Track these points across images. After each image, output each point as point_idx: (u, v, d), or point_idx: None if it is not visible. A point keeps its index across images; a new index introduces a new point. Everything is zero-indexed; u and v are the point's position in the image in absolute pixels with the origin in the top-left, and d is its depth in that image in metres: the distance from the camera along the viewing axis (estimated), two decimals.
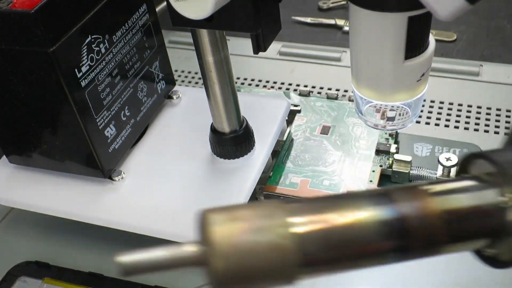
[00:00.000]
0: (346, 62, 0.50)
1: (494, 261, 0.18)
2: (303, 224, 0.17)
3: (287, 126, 0.40)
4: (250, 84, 0.49)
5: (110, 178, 0.34)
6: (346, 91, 0.47)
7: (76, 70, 0.29)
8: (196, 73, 0.51)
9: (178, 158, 0.36)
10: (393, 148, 0.38)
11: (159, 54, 0.37)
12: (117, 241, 0.36)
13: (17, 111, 0.32)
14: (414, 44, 0.25)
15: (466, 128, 0.42)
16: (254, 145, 0.34)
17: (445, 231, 0.17)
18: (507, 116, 0.42)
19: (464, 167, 0.20)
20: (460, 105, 0.44)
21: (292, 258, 0.16)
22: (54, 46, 0.28)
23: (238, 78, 0.49)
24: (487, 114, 0.43)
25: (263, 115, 0.37)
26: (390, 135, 0.39)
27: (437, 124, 0.42)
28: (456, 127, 0.42)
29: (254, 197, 0.37)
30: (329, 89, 0.47)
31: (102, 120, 0.32)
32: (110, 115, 0.33)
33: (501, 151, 0.19)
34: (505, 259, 0.18)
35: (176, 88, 0.40)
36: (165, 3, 0.30)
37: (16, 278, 0.34)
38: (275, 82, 0.49)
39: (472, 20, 0.54)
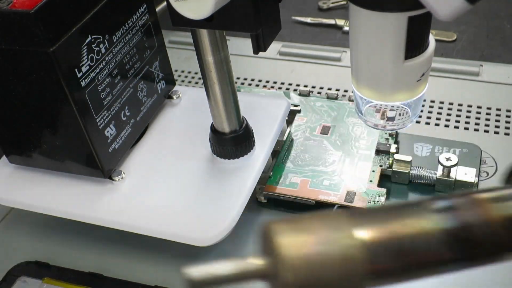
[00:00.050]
0: (346, 62, 0.50)
1: None
2: (370, 234, 0.17)
3: (287, 126, 0.40)
4: (250, 84, 0.49)
5: (110, 178, 0.34)
6: (346, 91, 0.47)
7: (76, 70, 0.29)
8: (196, 73, 0.51)
9: (178, 158, 0.36)
10: (393, 148, 0.38)
11: (159, 54, 0.37)
12: (117, 241, 0.36)
13: (17, 111, 0.32)
14: (414, 44, 0.25)
15: (466, 128, 0.42)
16: (254, 145, 0.34)
17: (508, 238, 0.17)
18: (507, 116, 0.42)
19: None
20: (460, 105, 0.44)
21: (360, 269, 0.16)
22: (54, 46, 0.28)
23: (238, 78, 0.49)
24: (487, 114, 0.43)
25: (263, 115, 0.37)
26: (390, 135, 0.39)
27: (437, 124, 0.42)
28: (456, 127, 0.42)
29: (254, 197, 0.37)
30: (329, 89, 0.47)
31: (102, 120, 0.32)
32: (110, 115, 0.33)
33: None
34: None
35: (176, 88, 0.40)
36: (165, 3, 0.30)
37: (16, 278, 0.34)
38: (275, 82, 0.49)
39: (472, 20, 0.54)
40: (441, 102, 0.44)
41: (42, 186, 0.35)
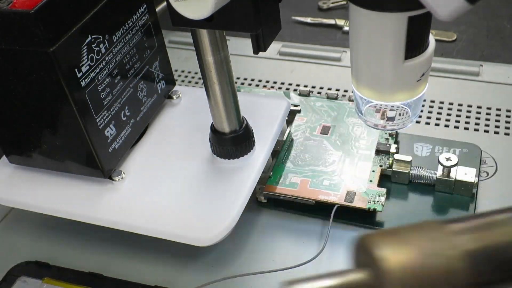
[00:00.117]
0: (346, 62, 0.50)
1: None
2: (471, 244, 0.17)
3: (287, 126, 0.40)
4: (250, 84, 0.49)
5: (110, 178, 0.34)
6: (346, 91, 0.47)
7: (76, 70, 0.29)
8: (196, 73, 0.51)
9: (178, 158, 0.36)
10: (393, 148, 0.38)
11: (159, 54, 0.37)
12: (117, 241, 0.36)
13: (17, 111, 0.32)
14: (414, 44, 0.25)
15: (466, 128, 0.42)
16: (254, 145, 0.34)
17: None
18: (507, 116, 0.42)
19: None
20: (460, 105, 0.44)
21: (465, 279, 0.16)
22: (54, 46, 0.28)
23: (238, 78, 0.49)
24: (487, 114, 0.43)
25: (263, 115, 0.37)
26: (390, 135, 0.39)
27: (437, 124, 0.42)
28: (456, 127, 0.42)
29: (254, 197, 0.37)
30: (329, 89, 0.47)
31: (102, 120, 0.32)
32: (110, 115, 0.33)
33: None
34: None
35: (176, 88, 0.40)
36: (165, 3, 0.30)
37: (16, 278, 0.34)
38: (275, 82, 0.49)
39: (472, 20, 0.54)
40: (441, 102, 0.44)
41: (42, 186, 0.35)
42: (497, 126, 0.42)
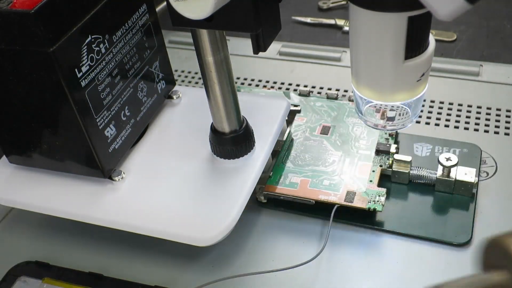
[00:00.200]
0: (346, 62, 0.50)
1: None
2: None
3: (287, 126, 0.40)
4: (250, 84, 0.49)
5: (110, 178, 0.34)
6: (346, 91, 0.47)
7: (76, 70, 0.29)
8: (196, 73, 0.51)
9: (178, 158, 0.36)
10: (393, 148, 0.38)
11: (159, 54, 0.37)
12: (117, 241, 0.36)
13: (17, 111, 0.32)
14: (414, 44, 0.25)
15: (466, 128, 0.42)
16: (254, 145, 0.34)
17: None
18: (507, 116, 0.42)
19: None
20: (460, 105, 0.44)
21: None
22: (54, 46, 0.28)
23: (238, 78, 0.49)
24: (487, 114, 0.43)
25: (263, 115, 0.37)
26: (390, 135, 0.39)
27: (437, 124, 0.42)
28: (456, 127, 0.42)
29: (254, 197, 0.37)
30: (329, 89, 0.47)
31: (102, 120, 0.32)
32: (110, 115, 0.33)
33: None
34: None
35: (176, 88, 0.40)
36: (165, 3, 0.30)
37: (16, 278, 0.34)
38: (275, 82, 0.49)
39: (472, 20, 0.54)
40: (441, 102, 0.44)
41: (42, 186, 0.35)
42: (497, 126, 0.42)
